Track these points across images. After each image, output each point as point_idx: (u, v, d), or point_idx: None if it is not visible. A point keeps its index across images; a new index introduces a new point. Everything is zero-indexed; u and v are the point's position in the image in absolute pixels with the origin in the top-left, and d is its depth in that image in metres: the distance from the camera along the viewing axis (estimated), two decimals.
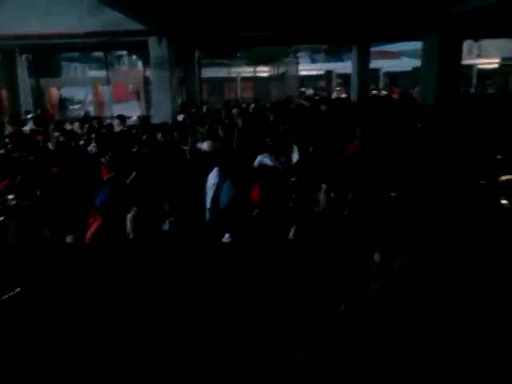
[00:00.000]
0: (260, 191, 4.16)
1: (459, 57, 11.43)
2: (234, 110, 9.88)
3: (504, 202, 1.46)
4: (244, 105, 13.73)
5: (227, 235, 3.05)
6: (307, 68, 26.86)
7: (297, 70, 23.46)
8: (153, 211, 3.63)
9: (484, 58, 25.83)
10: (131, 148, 6.41)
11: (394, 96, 17.18)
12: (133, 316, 2.57)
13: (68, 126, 9.26)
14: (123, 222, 3.18)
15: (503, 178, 1.55)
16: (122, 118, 9.00)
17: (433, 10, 10.46)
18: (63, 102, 22.26)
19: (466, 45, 23.78)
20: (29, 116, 11.16)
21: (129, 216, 3.06)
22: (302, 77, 25.07)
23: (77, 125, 9.11)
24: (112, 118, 10.49)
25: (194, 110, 10.69)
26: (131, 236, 3.03)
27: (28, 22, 9.75)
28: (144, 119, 9.47)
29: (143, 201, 3.90)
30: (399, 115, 7.45)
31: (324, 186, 3.36)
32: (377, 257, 2.53)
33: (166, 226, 3.58)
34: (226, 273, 2.71)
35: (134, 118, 11.08)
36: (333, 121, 8.11)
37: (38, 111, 13.60)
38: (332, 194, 3.31)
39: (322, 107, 10.71)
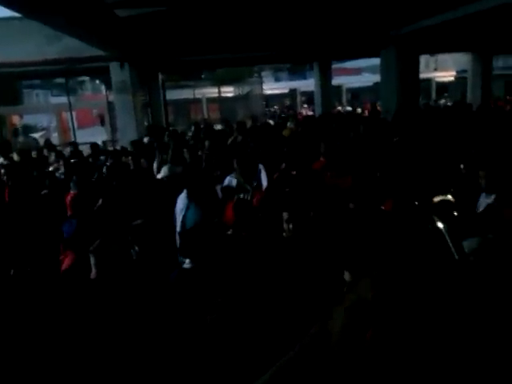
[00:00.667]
0: (234, 212, 4.15)
1: (417, 71, 11.84)
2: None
3: (439, 224, 1.51)
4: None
5: (187, 260, 3.00)
6: (272, 87, 27.26)
7: (261, 89, 23.74)
8: (120, 239, 3.56)
9: (441, 71, 26.82)
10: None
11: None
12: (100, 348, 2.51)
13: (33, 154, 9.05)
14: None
15: (437, 198, 1.59)
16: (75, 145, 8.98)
17: (387, 29, 10.85)
18: (25, 129, 21.82)
19: (424, 59, 24.73)
20: None
21: (91, 249, 2.98)
22: (267, 96, 25.39)
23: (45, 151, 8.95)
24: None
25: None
26: (93, 272, 2.95)
27: None
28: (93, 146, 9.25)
29: (110, 230, 3.83)
30: (361, 130, 7.62)
31: (285, 215, 3.36)
32: (347, 275, 2.53)
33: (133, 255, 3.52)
34: (189, 299, 2.68)
35: (99, 143, 10.96)
36: (299, 138, 8.23)
37: None
38: (290, 226, 3.32)
39: (289, 124, 10.87)
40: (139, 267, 3.31)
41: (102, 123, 27.90)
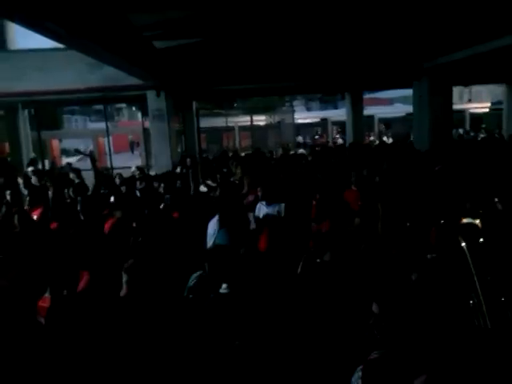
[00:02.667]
0: (267, 239, 4.17)
1: (450, 102, 11.74)
2: None
3: (463, 243, 1.54)
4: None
5: (224, 285, 3.04)
6: (303, 116, 27.43)
7: (293, 118, 23.92)
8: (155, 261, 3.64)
9: (475, 102, 26.47)
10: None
11: None
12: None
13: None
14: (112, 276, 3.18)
15: (464, 220, 1.62)
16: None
17: (420, 60, 10.86)
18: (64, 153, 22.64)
19: (457, 90, 24.52)
20: (29, 169, 11.27)
21: (125, 267, 3.04)
22: (298, 125, 25.55)
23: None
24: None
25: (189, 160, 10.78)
26: (124, 291, 3.00)
27: (28, 79, 10.12)
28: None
29: (144, 252, 3.92)
30: (385, 166, 7.62)
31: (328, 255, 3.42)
32: (375, 307, 2.51)
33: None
34: (223, 324, 2.70)
35: (133, 168, 11.21)
36: (331, 167, 8.28)
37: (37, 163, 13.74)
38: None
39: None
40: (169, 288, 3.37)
41: (132, 149, 28.74)
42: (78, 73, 10.20)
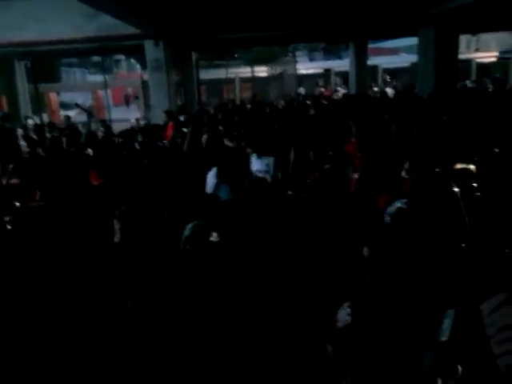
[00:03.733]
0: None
1: (456, 52, 11.44)
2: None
3: (455, 189, 1.54)
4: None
5: (215, 234, 3.04)
6: (306, 67, 26.84)
7: (295, 69, 23.43)
8: (147, 211, 3.63)
9: (482, 51, 25.80)
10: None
11: None
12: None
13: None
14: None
15: (458, 165, 1.60)
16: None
17: (427, 6, 10.48)
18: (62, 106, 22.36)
19: (464, 39, 23.82)
20: (30, 122, 11.12)
21: (116, 215, 3.02)
22: (301, 76, 25.05)
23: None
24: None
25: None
26: (117, 238, 3.00)
27: (25, 29, 9.85)
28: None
29: (136, 198, 3.91)
30: (387, 117, 7.48)
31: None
32: (365, 251, 2.53)
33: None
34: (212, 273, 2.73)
35: (133, 121, 11.11)
36: (329, 119, 8.14)
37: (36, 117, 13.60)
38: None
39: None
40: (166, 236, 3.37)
41: (127, 103, 28.26)
42: (76, 23, 9.92)
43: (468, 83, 18.45)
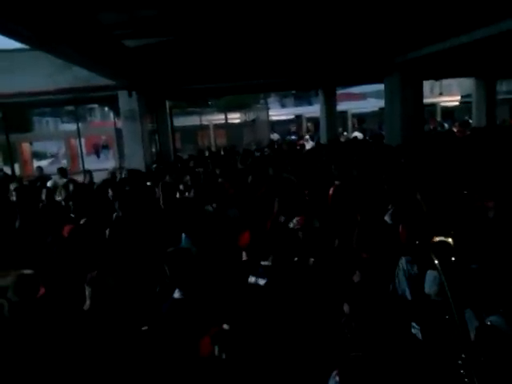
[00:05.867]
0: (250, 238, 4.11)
1: (421, 96, 11.91)
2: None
3: (435, 261, 1.60)
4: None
5: (177, 290, 2.96)
6: (278, 113, 27.49)
7: (267, 116, 23.95)
8: (118, 272, 3.53)
9: (446, 95, 26.99)
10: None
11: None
12: None
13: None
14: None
15: (437, 238, 1.66)
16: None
17: (391, 56, 11.00)
18: (35, 156, 22.15)
19: (428, 84, 24.93)
20: None
21: (87, 280, 2.92)
22: (273, 122, 25.60)
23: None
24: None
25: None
26: (87, 304, 2.90)
27: None
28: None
29: (108, 262, 3.79)
30: (355, 159, 7.75)
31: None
32: (346, 308, 2.52)
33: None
34: (183, 329, 2.65)
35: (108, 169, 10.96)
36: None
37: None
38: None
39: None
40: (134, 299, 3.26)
41: (97, 153, 28.05)
42: (47, 74, 9.97)
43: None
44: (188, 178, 7.22)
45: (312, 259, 3.89)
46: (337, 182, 6.17)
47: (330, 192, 6.09)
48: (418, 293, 3.08)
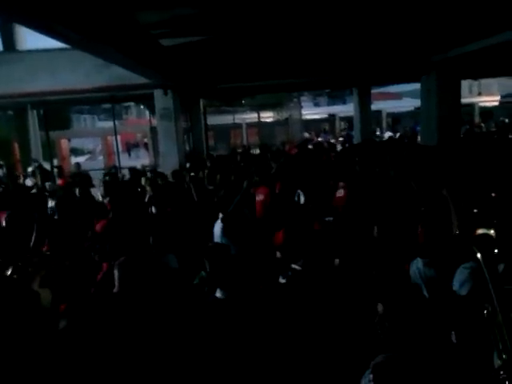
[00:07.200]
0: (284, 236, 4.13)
1: (458, 96, 11.62)
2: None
3: (478, 255, 1.56)
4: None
5: (218, 290, 2.96)
6: (311, 112, 27.37)
7: (300, 114, 23.88)
8: (147, 256, 3.60)
9: (485, 95, 26.24)
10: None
11: None
12: None
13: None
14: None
15: (480, 231, 1.63)
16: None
17: (429, 54, 10.76)
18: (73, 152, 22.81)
19: (466, 83, 24.27)
20: (29, 169, 11.20)
21: (116, 264, 3.00)
22: (306, 120, 25.49)
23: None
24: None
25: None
26: (116, 288, 2.98)
27: (38, 80, 10.19)
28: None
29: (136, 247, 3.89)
30: (388, 159, 7.58)
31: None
32: (380, 307, 2.49)
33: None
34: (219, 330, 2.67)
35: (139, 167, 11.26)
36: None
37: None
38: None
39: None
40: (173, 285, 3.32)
41: (129, 152, 28.56)
42: (86, 73, 10.25)
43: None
44: (218, 176, 7.30)
45: (337, 260, 3.88)
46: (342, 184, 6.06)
47: (342, 194, 5.93)
48: (437, 295, 3.03)
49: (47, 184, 7.54)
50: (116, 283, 2.98)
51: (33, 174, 9.17)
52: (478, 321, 1.98)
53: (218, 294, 2.95)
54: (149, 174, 9.08)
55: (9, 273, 3.31)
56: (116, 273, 2.97)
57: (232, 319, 2.72)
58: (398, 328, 1.98)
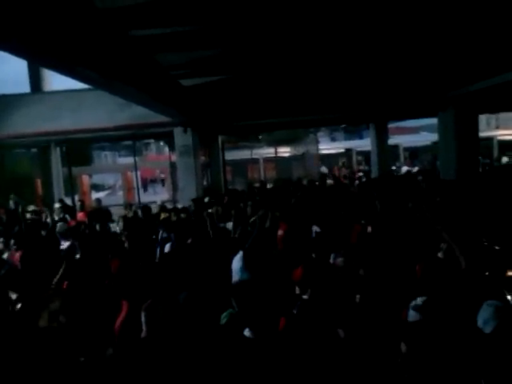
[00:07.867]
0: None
1: (476, 131, 11.61)
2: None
3: (508, 297, 1.56)
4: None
5: (247, 329, 2.88)
6: (327, 147, 27.51)
7: (317, 149, 24.02)
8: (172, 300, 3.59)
9: (503, 129, 26.06)
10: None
11: None
12: None
13: None
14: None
15: (510, 273, 1.62)
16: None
17: (446, 90, 10.83)
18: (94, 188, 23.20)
19: (484, 117, 24.18)
20: (57, 205, 11.43)
21: (143, 307, 3.00)
22: (323, 155, 25.62)
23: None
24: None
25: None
26: (144, 332, 2.97)
27: (61, 119, 10.55)
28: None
29: (162, 290, 3.88)
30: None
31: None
32: (403, 347, 2.44)
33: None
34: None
35: (158, 203, 11.34)
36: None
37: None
38: None
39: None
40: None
41: (144, 187, 28.86)
42: (108, 112, 10.58)
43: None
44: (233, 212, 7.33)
45: (358, 296, 3.83)
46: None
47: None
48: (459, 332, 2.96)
49: (58, 225, 7.64)
50: (144, 328, 2.98)
51: (58, 210, 9.35)
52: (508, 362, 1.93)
53: (247, 333, 2.87)
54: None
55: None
56: (143, 317, 2.97)
57: (266, 360, 2.66)
58: (424, 368, 1.94)
